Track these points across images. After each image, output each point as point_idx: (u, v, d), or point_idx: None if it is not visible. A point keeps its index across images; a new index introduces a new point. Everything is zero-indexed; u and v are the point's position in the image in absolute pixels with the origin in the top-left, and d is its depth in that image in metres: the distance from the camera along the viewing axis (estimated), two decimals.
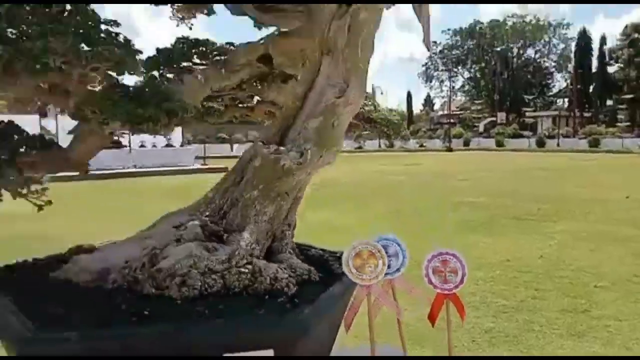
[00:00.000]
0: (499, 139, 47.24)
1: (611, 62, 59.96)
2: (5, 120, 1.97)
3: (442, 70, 70.67)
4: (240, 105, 2.95)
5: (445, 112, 60.06)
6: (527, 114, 63.13)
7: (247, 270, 1.76)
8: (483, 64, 70.61)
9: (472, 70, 72.35)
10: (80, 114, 1.60)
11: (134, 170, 26.25)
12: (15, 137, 1.93)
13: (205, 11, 2.81)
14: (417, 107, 74.14)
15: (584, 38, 59.12)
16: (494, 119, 61.71)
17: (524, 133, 50.35)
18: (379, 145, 43.02)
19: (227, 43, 2.74)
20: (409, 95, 68.84)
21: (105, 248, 1.96)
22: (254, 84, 2.66)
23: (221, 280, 1.73)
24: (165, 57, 2.24)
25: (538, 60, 70.90)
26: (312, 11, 2.15)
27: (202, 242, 1.85)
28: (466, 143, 47.04)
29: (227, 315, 1.52)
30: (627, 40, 58.66)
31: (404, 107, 63.41)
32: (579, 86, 56.37)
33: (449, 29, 70.09)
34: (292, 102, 2.08)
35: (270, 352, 1.48)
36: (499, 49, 68.70)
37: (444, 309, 1.78)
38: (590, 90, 58.96)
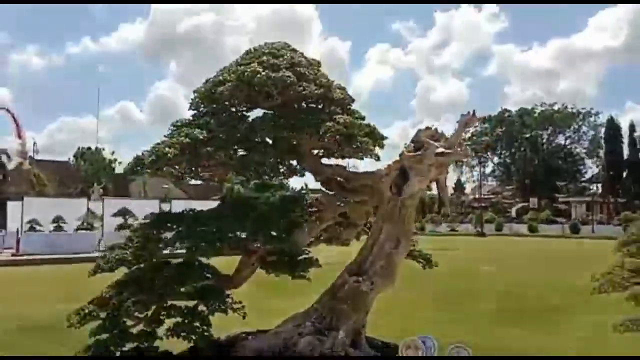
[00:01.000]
0: (532, 225, 47.11)
1: None
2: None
3: (471, 156, 71.94)
4: (320, 238, 4.36)
5: (477, 196, 60.53)
6: (560, 199, 63.05)
7: (343, 354, 3.08)
8: (513, 150, 71.92)
9: (502, 156, 73.60)
10: (258, 264, 3.04)
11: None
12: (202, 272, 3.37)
13: (299, 175, 4.32)
14: (448, 191, 74.75)
15: (612, 126, 60.29)
16: (526, 204, 61.72)
17: (557, 219, 50.23)
18: None
19: (316, 199, 4.21)
20: None
21: (255, 337, 3.32)
22: (335, 227, 4.09)
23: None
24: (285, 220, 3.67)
25: (568, 147, 71.84)
26: (375, 193, 3.61)
27: (314, 336, 3.19)
28: (498, 228, 47.05)
29: None
30: None
31: (434, 191, 64.54)
32: (611, 173, 56.72)
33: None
34: (365, 250, 3.49)
35: None
36: (528, 135, 70.24)
37: None
38: (624, 176, 59.16)
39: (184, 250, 2.97)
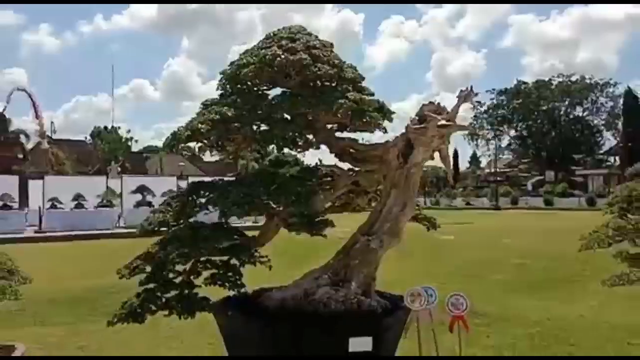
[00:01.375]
0: (547, 198, 46.89)
1: None
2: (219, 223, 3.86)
3: (487, 129, 71.23)
4: (335, 205, 4.80)
5: (492, 170, 60.29)
6: (576, 172, 62.51)
7: (355, 301, 3.55)
8: (530, 123, 71.13)
9: (519, 128, 72.88)
10: (281, 225, 3.50)
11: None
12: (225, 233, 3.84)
13: (315, 147, 4.73)
14: (464, 164, 74.39)
15: (630, 97, 59.12)
16: (542, 177, 61.37)
17: (574, 192, 49.95)
18: (424, 203, 43.50)
19: (330, 170, 4.63)
20: (456, 153, 69.66)
21: (279, 289, 3.80)
22: (348, 194, 4.52)
23: (342, 306, 3.52)
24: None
25: (586, 119, 70.78)
26: (384, 163, 4.02)
27: (331, 286, 3.66)
28: (514, 201, 46.98)
29: (354, 320, 3.32)
30: None
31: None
32: (629, 144, 55.99)
33: (493, 89, 71.40)
34: (375, 213, 3.93)
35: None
36: (545, 107, 69.26)
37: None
38: None
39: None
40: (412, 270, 11.02)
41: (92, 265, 11.97)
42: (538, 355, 6.76)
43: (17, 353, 3.49)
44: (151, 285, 3.23)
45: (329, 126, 4.27)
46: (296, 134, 3.86)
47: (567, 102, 69.40)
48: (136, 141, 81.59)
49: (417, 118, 3.83)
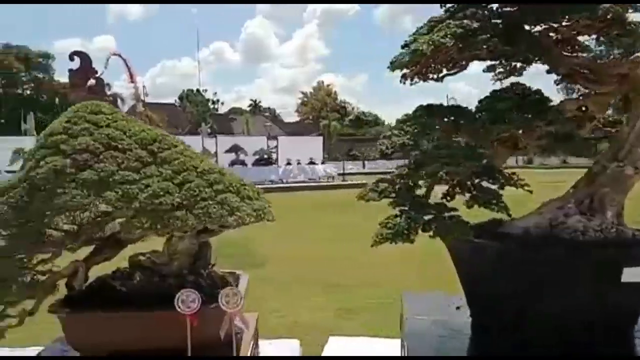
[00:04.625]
0: None
1: None
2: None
3: None
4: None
5: None
6: None
7: (614, 231, 3.24)
8: None
9: None
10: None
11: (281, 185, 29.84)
12: None
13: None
14: None
15: None
16: None
17: None
18: (515, 162, 40.71)
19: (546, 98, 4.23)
20: None
21: (520, 219, 3.54)
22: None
23: (601, 234, 3.23)
24: None
25: None
26: (627, 82, 3.59)
27: (580, 215, 3.38)
28: None
29: (622, 250, 3.03)
30: None
31: None
32: None
33: None
34: (622, 138, 3.55)
35: None
36: None
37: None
38: None
39: None
40: None
41: None
42: None
43: (242, 282, 3.50)
44: (407, 208, 3.10)
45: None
46: (528, 50, 3.51)
47: None
48: (222, 103, 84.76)
49: None
